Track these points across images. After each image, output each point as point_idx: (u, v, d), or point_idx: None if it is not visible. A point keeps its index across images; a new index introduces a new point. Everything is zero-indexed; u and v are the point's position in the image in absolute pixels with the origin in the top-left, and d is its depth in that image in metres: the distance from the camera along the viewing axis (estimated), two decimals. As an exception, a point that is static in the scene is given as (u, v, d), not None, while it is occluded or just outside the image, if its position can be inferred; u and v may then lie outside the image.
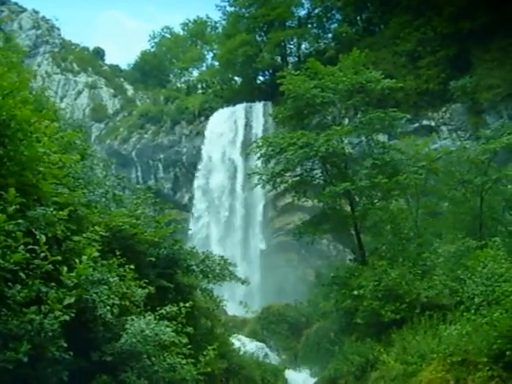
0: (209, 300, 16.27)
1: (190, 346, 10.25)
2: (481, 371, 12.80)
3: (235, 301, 30.59)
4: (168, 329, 9.32)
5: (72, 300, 7.47)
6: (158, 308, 10.20)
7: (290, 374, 21.85)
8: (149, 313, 9.76)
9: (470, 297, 15.72)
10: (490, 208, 23.20)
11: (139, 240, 12.43)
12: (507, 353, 12.49)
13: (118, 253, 10.29)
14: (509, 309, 12.96)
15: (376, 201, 24.16)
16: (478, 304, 14.90)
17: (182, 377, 9.49)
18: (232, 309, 28.86)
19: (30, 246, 7.25)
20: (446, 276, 18.58)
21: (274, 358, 23.51)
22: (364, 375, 17.99)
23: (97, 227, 9.36)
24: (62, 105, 45.22)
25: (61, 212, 8.49)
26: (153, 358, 9.24)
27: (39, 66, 62.12)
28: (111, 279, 9.12)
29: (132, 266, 10.19)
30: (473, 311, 14.54)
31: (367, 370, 17.97)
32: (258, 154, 24.66)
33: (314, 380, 20.70)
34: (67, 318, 7.34)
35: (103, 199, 13.35)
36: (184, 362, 9.65)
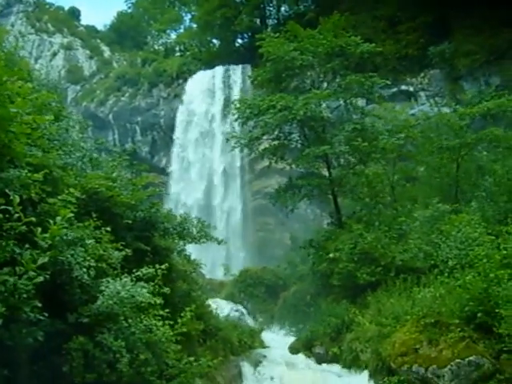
0: (186, 263, 16.31)
1: (167, 309, 10.30)
2: (453, 332, 13.09)
3: (213, 264, 30.81)
4: (144, 290, 9.35)
5: (45, 260, 7.41)
6: (134, 270, 10.19)
7: (266, 335, 22.10)
8: (125, 275, 9.77)
9: (444, 260, 15.98)
10: (465, 174, 23.41)
11: (115, 202, 12.33)
12: (478, 314, 12.78)
13: (94, 215, 10.17)
14: (481, 272, 13.20)
15: (353, 165, 24.27)
16: (451, 267, 15.16)
17: (158, 338, 9.56)
18: (210, 272, 29.03)
19: (4, 207, 7.17)
20: (421, 240, 18.81)
21: (251, 321, 23.75)
22: (339, 336, 18.29)
23: (72, 189, 9.25)
24: (37, 66, 44.47)
25: (35, 174, 8.39)
26: (129, 320, 9.27)
27: (13, 25, 60.78)
28: (87, 241, 9.07)
29: (108, 229, 10.11)
30: (446, 274, 14.79)
31: (343, 331, 18.27)
32: (236, 116, 24.52)
33: (291, 341, 20.97)
34: (41, 279, 7.29)
35: (79, 162, 13.20)
36: (160, 323, 9.73)
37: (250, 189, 43.11)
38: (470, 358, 12.45)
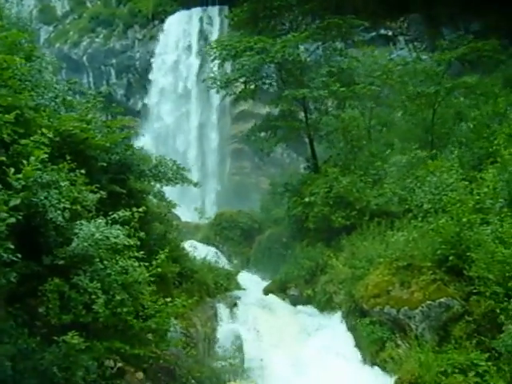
0: (161, 205, 16.30)
1: (142, 251, 10.32)
2: (424, 275, 13.40)
3: (189, 208, 30.85)
4: (119, 231, 9.35)
5: (18, 202, 7.37)
6: (110, 213, 10.16)
7: (242, 277, 22.35)
8: (100, 217, 9.74)
9: (418, 205, 16.17)
10: (442, 120, 23.44)
11: (90, 145, 12.15)
12: (450, 258, 13.06)
13: (68, 158, 10.05)
14: (454, 216, 13.43)
15: (330, 109, 24.17)
16: (425, 212, 15.37)
17: (134, 279, 9.61)
18: (185, 215, 29.11)
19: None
20: (396, 185, 18.95)
21: (226, 263, 23.95)
22: (313, 279, 18.62)
23: (45, 130, 9.12)
24: (7, 5, 43.06)
25: (7, 115, 8.25)
26: (105, 262, 9.30)
27: (-20, -39, 58.52)
28: (61, 183, 9.00)
29: (83, 171, 10.01)
30: (420, 218, 15.01)
31: (317, 273, 18.60)
32: (213, 57, 24.18)
33: (266, 284, 21.27)
34: (13, 220, 7.27)
35: (52, 103, 12.96)
36: (136, 264, 9.76)
37: (227, 133, 42.88)
38: (441, 299, 12.78)
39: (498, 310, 11.45)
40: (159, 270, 10.63)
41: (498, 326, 11.43)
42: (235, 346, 14.78)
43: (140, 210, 10.59)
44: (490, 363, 10.79)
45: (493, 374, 10.51)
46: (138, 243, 10.06)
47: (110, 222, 9.73)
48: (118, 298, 9.14)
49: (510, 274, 11.65)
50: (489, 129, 19.12)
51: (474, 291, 12.33)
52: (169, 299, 10.53)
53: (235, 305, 16.97)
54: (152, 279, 10.26)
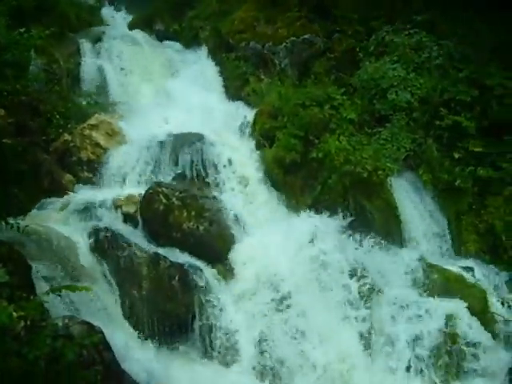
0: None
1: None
2: (290, 11, 13.50)
3: None
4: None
5: None
6: None
7: (105, 12, 21.24)
8: None
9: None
10: None
11: None
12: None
13: None
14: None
15: None
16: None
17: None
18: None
19: None
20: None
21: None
22: (181, 15, 18.05)
23: None
24: None
25: None
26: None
27: None
28: None
29: None
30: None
31: (184, 8, 17.98)
32: None
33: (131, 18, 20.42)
34: None
35: None
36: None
37: None
38: (305, 36, 13.11)
39: (357, 48, 12.03)
40: (14, 2, 9.91)
41: (356, 63, 12.12)
42: (100, 81, 14.59)
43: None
44: (345, 97, 11.57)
45: (346, 107, 11.35)
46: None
47: None
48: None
49: (373, 15, 12.06)
50: None
51: (338, 30, 12.70)
52: (24, 30, 9.93)
53: (99, 40, 16.29)
54: (6, 13, 9.58)
